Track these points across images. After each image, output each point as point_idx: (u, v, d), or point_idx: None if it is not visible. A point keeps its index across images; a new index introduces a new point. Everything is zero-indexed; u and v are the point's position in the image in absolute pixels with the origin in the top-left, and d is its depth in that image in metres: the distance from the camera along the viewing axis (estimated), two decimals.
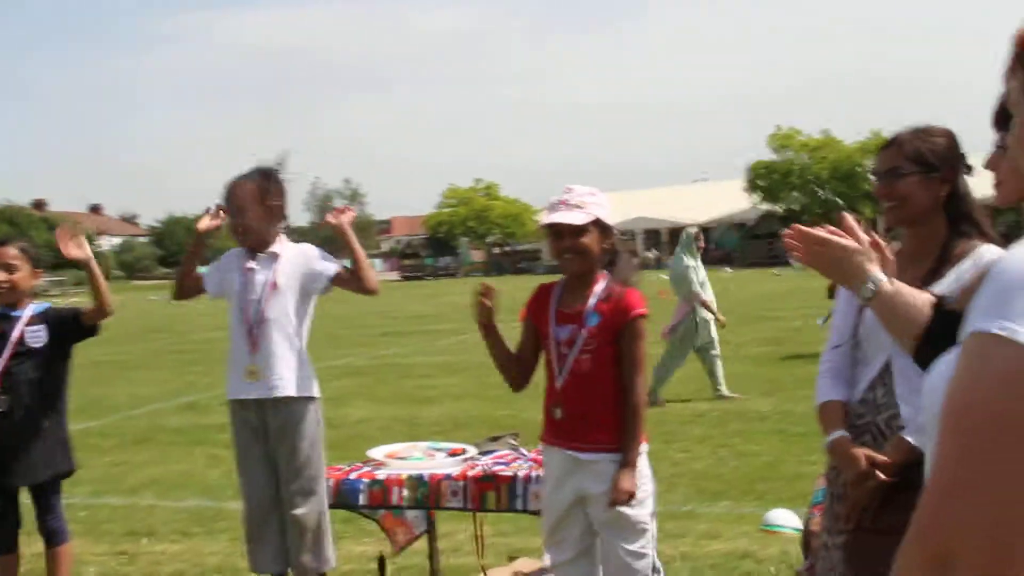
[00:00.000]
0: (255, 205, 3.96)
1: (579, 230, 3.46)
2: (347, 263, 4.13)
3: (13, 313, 4.18)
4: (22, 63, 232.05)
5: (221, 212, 4.05)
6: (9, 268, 4.14)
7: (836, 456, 2.81)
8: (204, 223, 4.04)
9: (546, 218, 3.52)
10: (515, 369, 3.72)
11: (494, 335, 3.66)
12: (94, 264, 4.22)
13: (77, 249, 4.20)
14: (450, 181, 74.43)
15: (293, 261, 3.99)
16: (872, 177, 2.96)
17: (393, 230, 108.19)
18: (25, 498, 4.12)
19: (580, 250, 3.48)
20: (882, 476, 2.63)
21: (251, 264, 3.94)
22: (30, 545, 4.26)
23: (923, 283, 2.59)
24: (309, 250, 4.07)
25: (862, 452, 2.69)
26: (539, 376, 3.68)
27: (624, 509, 3.45)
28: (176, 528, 6.50)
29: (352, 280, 4.04)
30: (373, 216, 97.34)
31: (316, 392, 4.00)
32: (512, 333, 3.70)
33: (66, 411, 4.26)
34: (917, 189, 2.80)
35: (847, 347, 2.90)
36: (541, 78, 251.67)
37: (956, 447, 1.08)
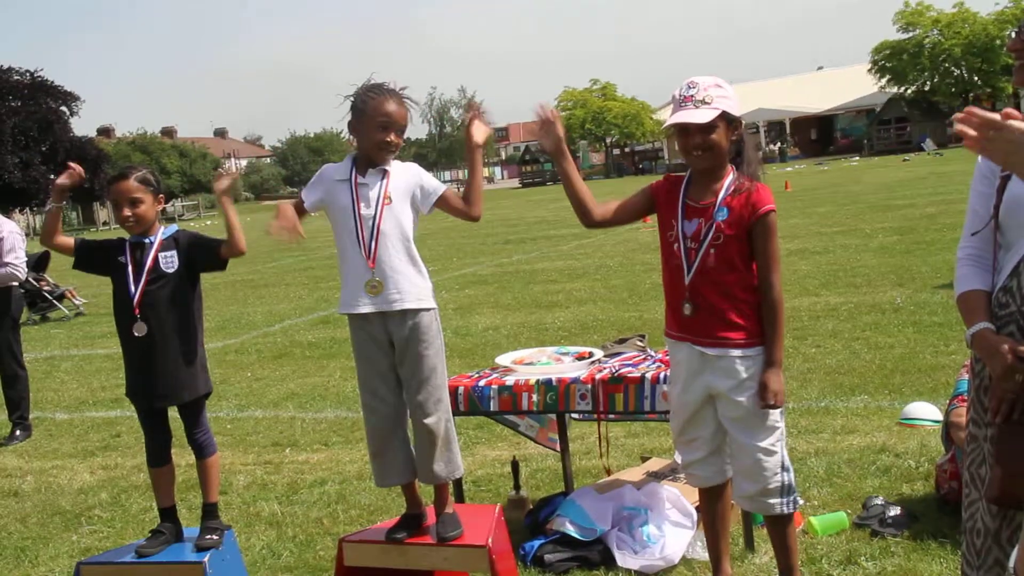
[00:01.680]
0: (404, 129, 3.97)
1: (707, 127, 3.36)
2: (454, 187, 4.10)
3: (146, 240, 4.28)
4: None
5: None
6: (134, 203, 4.20)
7: (980, 349, 2.66)
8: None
9: (672, 118, 3.41)
10: (591, 206, 3.62)
11: (567, 162, 3.59)
12: (228, 206, 4.28)
13: (222, 190, 4.27)
14: (566, 84, 73.59)
15: (403, 176, 3.99)
16: (1013, 35, 2.62)
17: (511, 137, 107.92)
18: (175, 412, 4.30)
19: (709, 146, 3.39)
20: None
21: (362, 179, 3.95)
22: (184, 456, 4.47)
23: None
24: (416, 168, 4.06)
25: (1008, 344, 2.55)
26: (655, 278, 3.62)
27: (752, 407, 3.41)
28: (316, 438, 6.75)
29: (459, 204, 4.02)
30: (491, 123, 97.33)
31: (434, 302, 4.03)
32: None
33: (202, 333, 4.38)
34: None
35: (988, 231, 2.72)
36: None
37: None
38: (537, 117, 3.58)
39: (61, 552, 5.04)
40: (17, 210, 59.36)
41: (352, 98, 3.97)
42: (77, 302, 15.81)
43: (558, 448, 5.09)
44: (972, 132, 2.15)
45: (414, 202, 4.00)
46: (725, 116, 3.37)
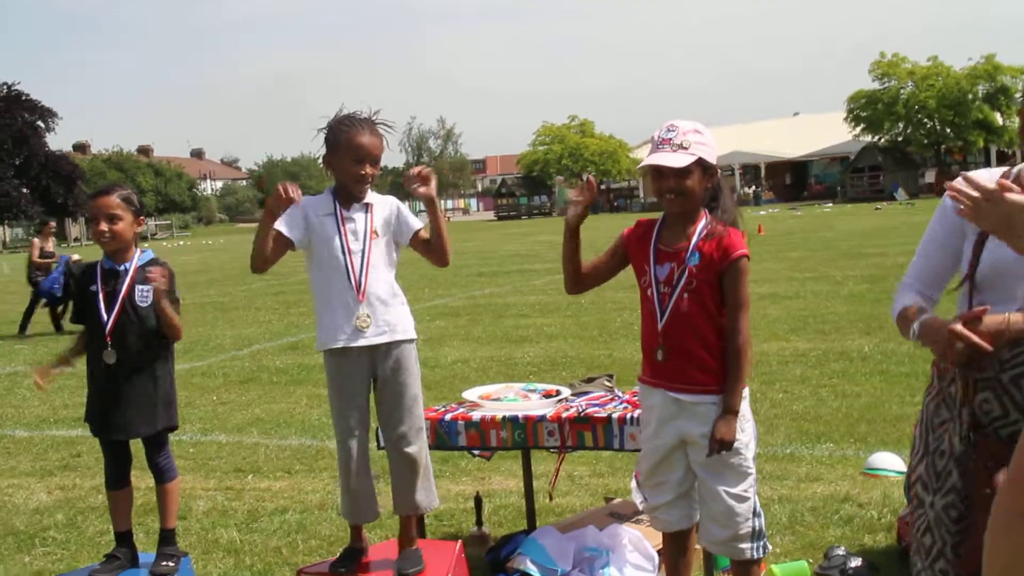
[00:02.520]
0: (379, 157, 3.95)
1: (682, 172, 3.36)
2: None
3: (120, 267, 4.22)
4: (123, 9, 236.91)
5: (293, 195, 3.91)
6: (112, 219, 4.15)
7: (927, 335, 2.55)
8: (280, 200, 3.76)
9: (648, 159, 3.41)
10: (579, 275, 3.61)
11: (576, 238, 3.55)
12: (164, 304, 4.17)
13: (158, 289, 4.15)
14: (544, 119, 74.02)
15: (384, 209, 3.99)
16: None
17: (488, 169, 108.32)
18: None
19: (682, 191, 3.39)
20: (972, 336, 2.36)
21: (347, 212, 3.94)
22: (144, 479, 4.41)
23: None
24: (393, 201, 4.06)
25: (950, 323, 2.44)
26: (634, 317, 3.63)
27: (725, 454, 3.41)
28: (279, 466, 6.68)
29: (429, 247, 4.00)
30: (468, 155, 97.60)
31: (415, 333, 4.03)
32: (619, 276, 3.66)
33: (172, 367, 4.33)
34: None
35: (941, 276, 2.70)
36: (633, 11, 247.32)
37: None
38: (579, 187, 3.49)
39: (12, 574, 4.94)
40: None
41: (324, 131, 3.96)
42: None
43: (488, 456, 5.11)
44: (966, 200, 2.15)
45: (395, 235, 4.01)
46: (701, 163, 3.38)
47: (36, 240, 16.45)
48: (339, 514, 4.17)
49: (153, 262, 4.28)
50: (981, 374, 2.49)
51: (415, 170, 3.93)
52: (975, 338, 2.36)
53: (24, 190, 59.38)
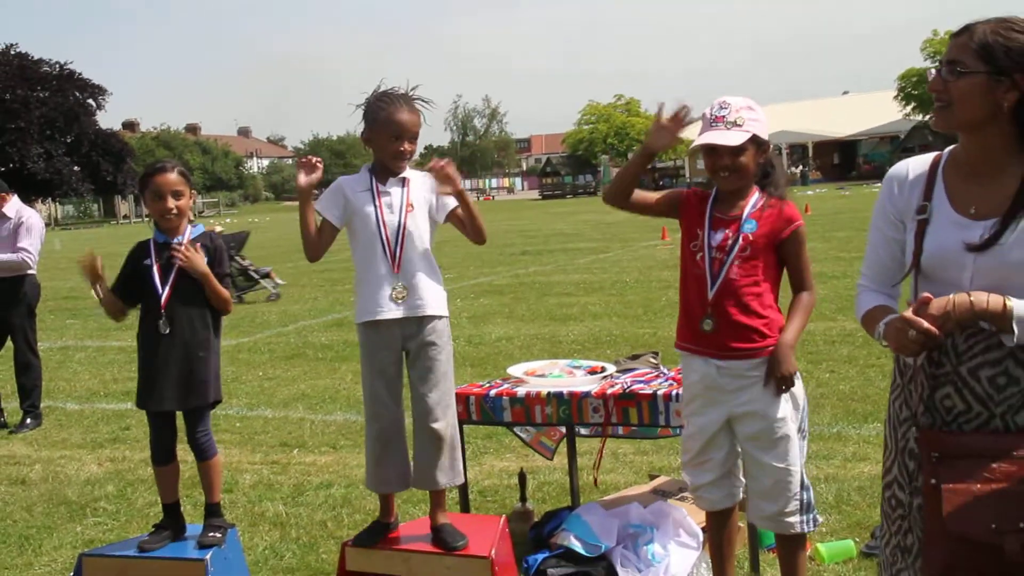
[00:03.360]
0: (417, 135, 3.95)
1: (737, 150, 3.34)
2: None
3: (174, 241, 4.26)
4: None
5: (315, 162, 3.96)
6: (176, 195, 4.21)
7: (887, 333, 2.46)
8: (305, 179, 3.88)
9: (702, 137, 3.38)
10: (629, 192, 3.55)
11: (650, 162, 3.60)
12: (211, 277, 4.19)
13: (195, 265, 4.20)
14: (590, 98, 73.76)
15: (421, 185, 3.99)
16: (933, 73, 2.46)
17: (533, 148, 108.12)
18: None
19: (737, 168, 3.37)
20: (921, 322, 2.29)
21: (383, 187, 3.95)
22: (190, 453, 4.46)
23: (1009, 213, 2.34)
24: (431, 178, 4.05)
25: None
26: (671, 295, 3.59)
27: (775, 424, 3.38)
28: (324, 440, 6.73)
29: (464, 225, 4.02)
30: (513, 135, 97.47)
31: (448, 311, 4.04)
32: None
33: (218, 341, 4.38)
34: (973, 91, 2.36)
35: (894, 272, 2.62)
36: None
37: None
38: (668, 113, 3.37)
39: (65, 543, 5.04)
40: (39, 200, 59.79)
41: (363, 107, 3.96)
42: (277, 282, 16.14)
43: (550, 455, 5.10)
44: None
45: (431, 211, 4.01)
46: (755, 139, 3.35)
47: None
48: (367, 487, 4.17)
49: (205, 236, 4.33)
50: (939, 369, 2.43)
51: (433, 164, 3.90)
52: (924, 323, 2.30)
53: (75, 168, 60.23)
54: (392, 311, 3.88)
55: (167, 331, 4.18)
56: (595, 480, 5.21)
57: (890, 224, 2.61)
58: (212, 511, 4.33)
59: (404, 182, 3.95)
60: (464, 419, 4.44)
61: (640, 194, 3.59)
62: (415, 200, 3.95)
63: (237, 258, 15.45)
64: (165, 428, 4.30)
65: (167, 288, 4.20)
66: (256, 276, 16.06)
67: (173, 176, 4.22)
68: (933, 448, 2.38)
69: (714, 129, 3.35)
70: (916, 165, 2.61)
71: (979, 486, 2.28)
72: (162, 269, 4.23)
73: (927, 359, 2.45)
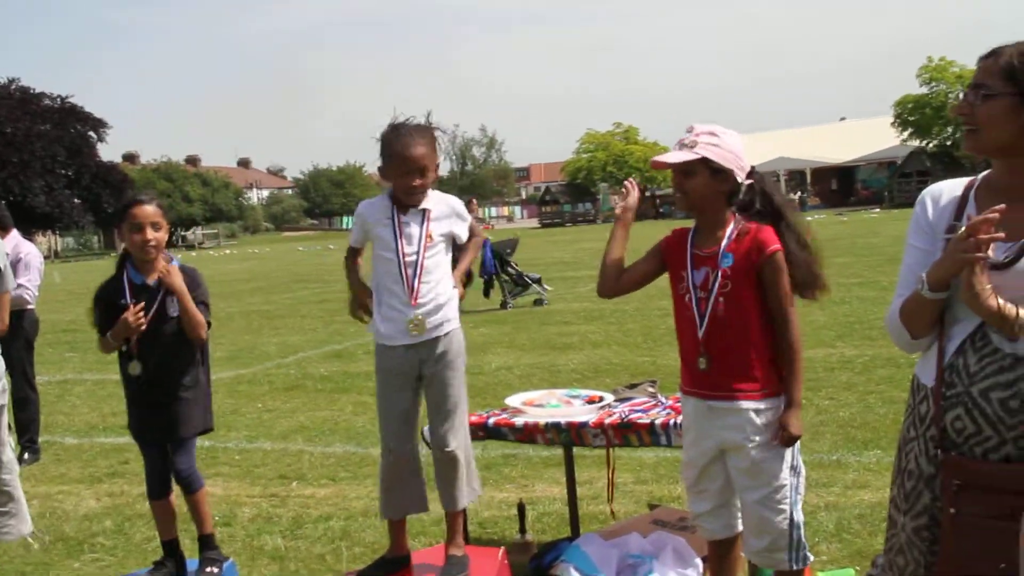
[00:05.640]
0: (433, 166, 3.96)
1: (684, 170, 3.35)
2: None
3: (152, 283, 4.22)
4: (172, 20, 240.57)
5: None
6: (156, 226, 4.20)
7: (942, 268, 2.38)
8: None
9: (657, 156, 3.44)
10: (618, 275, 3.58)
11: (625, 231, 3.58)
12: (187, 301, 4.23)
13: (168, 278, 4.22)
14: (588, 126, 73.98)
15: (442, 213, 4.03)
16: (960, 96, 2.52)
17: (532, 177, 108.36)
18: None
19: (684, 190, 3.39)
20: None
21: (404, 217, 3.98)
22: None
23: None
24: (455, 203, 4.09)
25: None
26: (670, 323, 3.59)
27: (762, 460, 3.37)
28: (324, 473, 6.71)
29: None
30: (511, 163, 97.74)
31: (458, 317, 4.07)
32: (663, 282, 3.65)
33: (206, 369, 4.35)
34: (1000, 114, 2.35)
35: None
36: (676, 18, 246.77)
37: None
38: (624, 189, 3.63)
39: None
40: (40, 233, 59.87)
41: (379, 140, 4.00)
42: (546, 288, 16.61)
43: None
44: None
45: (453, 236, 4.05)
46: (708, 163, 3.33)
47: None
48: (381, 519, 4.19)
49: (181, 270, 4.31)
50: (950, 390, 2.42)
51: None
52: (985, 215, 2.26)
53: (76, 200, 60.36)
54: (407, 339, 3.92)
55: (138, 372, 4.16)
56: (612, 513, 5.19)
57: (923, 237, 2.59)
58: (206, 543, 4.31)
59: (424, 214, 3.99)
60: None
61: (628, 273, 3.60)
62: (435, 231, 3.99)
63: (511, 264, 16.51)
64: (158, 460, 4.28)
65: (140, 329, 4.16)
66: (529, 280, 16.59)
67: (151, 208, 4.20)
68: (955, 476, 2.37)
69: (673, 150, 3.37)
70: (950, 187, 2.60)
71: (996, 522, 2.26)
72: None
73: (938, 379, 2.44)
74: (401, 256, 3.93)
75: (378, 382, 4.06)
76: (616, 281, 3.60)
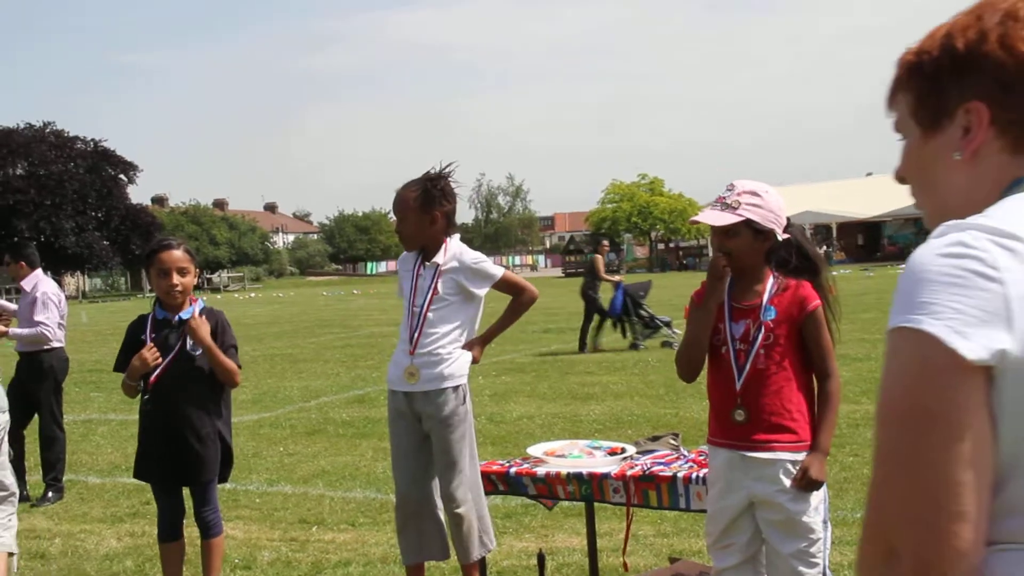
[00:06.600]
0: (414, 213, 4.05)
1: (728, 232, 3.37)
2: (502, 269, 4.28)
3: (174, 319, 4.27)
4: (202, 71, 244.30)
5: None
6: (182, 271, 4.25)
7: None
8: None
9: (698, 215, 3.45)
10: (703, 357, 3.48)
11: (711, 316, 3.44)
12: (214, 348, 4.27)
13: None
14: (613, 176, 74.24)
15: (450, 269, 4.09)
16: None
17: (556, 226, 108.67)
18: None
19: (727, 250, 3.40)
20: None
21: (423, 270, 4.09)
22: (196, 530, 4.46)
23: None
24: (468, 259, 4.12)
25: None
26: (701, 375, 3.60)
27: (797, 513, 3.35)
28: (344, 518, 6.71)
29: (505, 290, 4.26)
30: (536, 212, 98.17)
31: (460, 376, 4.09)
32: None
33: (227, 419, 4.37)
34: None
35: None
36: (701, 71, 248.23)
37: (884, 442, 1.10)
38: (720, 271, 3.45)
39: None
40: (68, 273, 60.49)
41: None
42: (675, 332, 16.60)
43: (551, 505, 5.10)
44: None
45: (464, 288, 4.09)
46: (750, 224, 3.36)
47: (598, 257, 17.46)
48: (401, 564, 4.21)
49: (207, 310, 4.36)
50: None
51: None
52: None
53: (105, 242, 61.04)
54: (405, 386, 4.02)
55: (149, 407, 4.20)
56: (625, 565, 5.14)
57: None
58: None
59: (436, 267, 4.06)
60: (490, 491, 4.44)
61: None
62: (442, 286, 4.04)
63: (644, 307, 16.72)
64: (168, 502, 4.29)
65: (160, 367, 4.20)
66: (660, 323, 16.75)
67: (178, 253, 4.25)
68: None
69: (713, 209, 3.39)
70: None
71: None
72: (159, 346, 4.24)
73: None
74: (411, 305, 4.07)
75: (388, 421, 4.21)
76: (701, 361, 3.52)
